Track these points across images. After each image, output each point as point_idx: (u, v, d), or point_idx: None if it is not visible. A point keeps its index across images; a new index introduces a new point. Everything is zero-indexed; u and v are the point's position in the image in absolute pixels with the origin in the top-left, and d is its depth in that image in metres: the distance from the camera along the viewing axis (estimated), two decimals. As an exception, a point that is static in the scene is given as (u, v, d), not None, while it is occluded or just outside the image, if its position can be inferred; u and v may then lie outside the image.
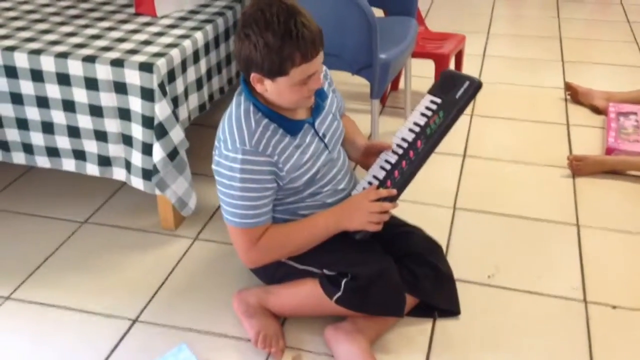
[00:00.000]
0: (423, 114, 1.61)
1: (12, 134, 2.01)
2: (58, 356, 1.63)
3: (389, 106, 2.93)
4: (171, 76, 1.89)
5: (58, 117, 1.93)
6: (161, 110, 1.83)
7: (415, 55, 2.69)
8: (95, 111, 1.89)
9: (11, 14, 2.19)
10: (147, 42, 1.95)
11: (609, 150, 2.47)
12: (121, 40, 1.97)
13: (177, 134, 1.89)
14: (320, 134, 1.61)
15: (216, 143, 1.55)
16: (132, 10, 2.23)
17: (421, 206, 2.19)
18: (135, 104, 1.85)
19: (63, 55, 1.86)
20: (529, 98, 3.01)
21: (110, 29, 2.07)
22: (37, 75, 1.89)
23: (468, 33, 3.18)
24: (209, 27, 2.09)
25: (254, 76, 1.45)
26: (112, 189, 2.29)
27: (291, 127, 1.54)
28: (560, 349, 1.64)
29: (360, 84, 2.62)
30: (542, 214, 2.17)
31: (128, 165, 1.96)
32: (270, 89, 1.46)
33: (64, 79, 1.87)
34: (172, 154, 1.90)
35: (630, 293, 1.82)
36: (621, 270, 1.92)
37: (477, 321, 1.72)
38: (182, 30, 2.05)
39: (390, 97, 2.99)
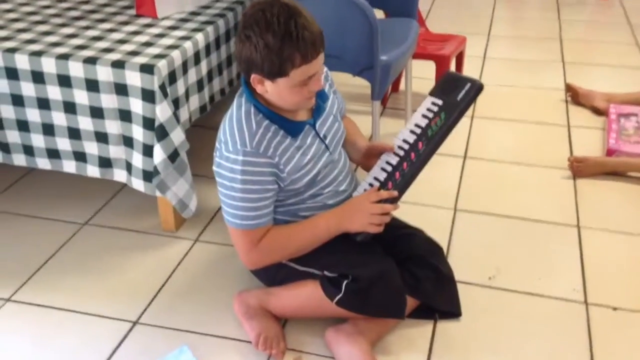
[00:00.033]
0: (424, 116, 1.61)
1: (13, 136, 2.01)
2: (59, 358, 1.63)
3: (389, 107, 2.93)
4: (172, 78, 1.89)
5: (59, 118, 1.93)
6: (162, 111, 1.82)
7: (416, 56, 2.69)
8: (96, 113, 1.89)
9: (12, 15, 2.19)
10: (148, 44, 1.95)
11: (610, 152, 2.47)
12: (122, 41, 1.97)
13: (177, 136, 1.89)
14: (321, 136, 1.61)
15: (217, 144, 1.55)
16: (133, 11, 2.23)
17: (422, 207, 2.19)
18: (136, 105, 1.85)
19: (64, 57, 1.86)
20: (529, 99, 3.01)
21: (111, 30, 2.07)
22: (38, 77, 1.89)
23: (469, 34, 3.18)
24: (209, 29, 2.09)
25: (254, 77, 1.45)
26: (112, 191, 2.29)
27: (292, 128, 1.54)
28: (561, 351, 1.64)
29: (361, 85, 2.62)
30: (543, 216, 2.17)
31: (129, 167, 1.96)
32: (271, 90, 1.46)
33: (64, 81, 1.87)
34: (173, 156, 1.90)
35: (631, 295, 1.82)
36: (622, 272, 1.92)
37: (478, 323, 1.72)
38: (183, 31, 2.06)
39: (391, 98, 3.00)
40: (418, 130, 1.60)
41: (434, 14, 4.14)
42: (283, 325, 1.70)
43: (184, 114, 1.99)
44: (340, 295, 1.56)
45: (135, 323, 1.73)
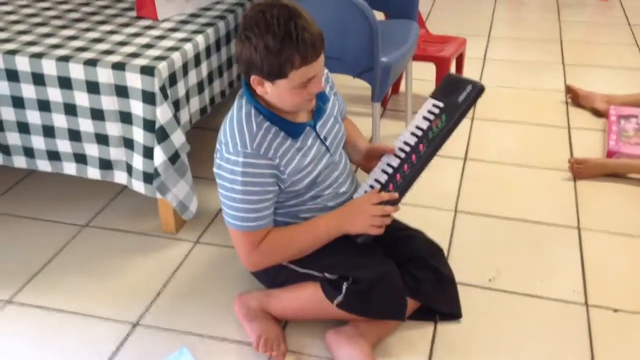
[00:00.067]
0: (425, 118, 1.61)
1: (13, 138, 2.01)
2: (59, 360, 1.63)
3: (389, 109, 2.93)
4: (172, 79, 1.89)
5: (59, 120, 1.94)
6: (162, 113, 1.83)
7: (416, 58, 2.69)
8: (97, 114, 1.89)
9: (12, 17, 2.19)
10: (148, 46, 1.96)
11: (610, 153, 2.47)
12: (122, 43, 1.97)
13: (178, 138, 1.89)
14: (322, 137, 1.61)
15: (217, 146, 1.55)
16: (133, 13, 2.23)
17: (422, 209, 2.19)
18: (137, 107, 1.85)
19: (64, 59, 1.86)
20: (529, 101, 3.01)
21: (111, 32, 2.07)
22: (38, 79, 1.89)
23: (469, 36, 3.18)
24: (210, 31, 2.10)
25: (254, 78, 1.46)
26: (113, 193, 2.29)
27: (292, 130, 1.54)
28: (562, 353, 1.64)
29: (361, 87, 2.62)
30: (543, 217, 2.17)
31: (129, 169, 1.96)
32: (271, 91, 1.46)
33: (65, 83, 1.87)
34: (173, 158, 1.90)
35: (632, 296, 1.82)
36: (622, 274, 1.92)
37: (478, 324, 1.72)
38: (184, 33, 2.06)
39: (391, 100, 3.00)
40: (419, 132, 1.61)
41: (434, 15, 4.14)
42: (283, 327, 1.70)
43: (184, 116, 1.99)
44: (341, 297, 1.56)
45: (135, 325, 1.73)
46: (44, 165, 2.04)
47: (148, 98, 1.82)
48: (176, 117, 1.88)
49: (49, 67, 1.86)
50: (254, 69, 1.43)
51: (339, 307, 1.57)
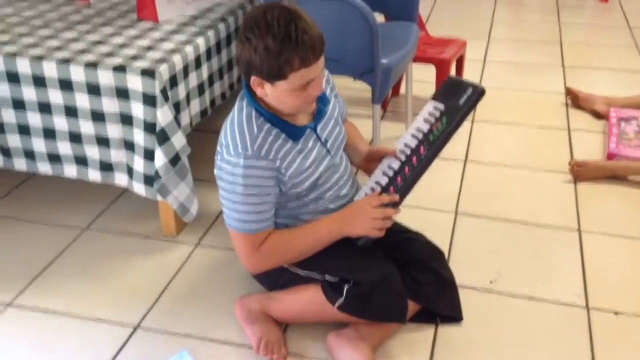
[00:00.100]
0: (426, 120, 1.61)
1: (14, 140, 2.01)
2: (60, 363, 1.63)
3: (390, 111, 2.93)
4: (173, 82, 1.89)
5: (60, 123, 1.93)
6: (163, 115, 1.83)
7: (417, 60, 2.69)
8: (97, 117, 1.89)
9: (13, 19, 2.19)
10: (149, 48, 1.96)
11: (610, 156, 2.47)
12: (123, 46, 1.97)
13: (178, 140, 1.89)
14: (323, 139, 1.61)
15: (218, 148, 1.55)
16: (134, 16, 2.23)
17: (423, 211, 2.19)
18: (138, 109, 1.85)
19: (65, 61, 1.86)
20: (529, 103, 3.01)
21: (112, 34, 2.07)
22: (39, 81, 1.89)
23: (469, 38, 3.18)
24: (210, 33, 2.10)
25: (254, 80, 1.46)
26: (113, 195, 2.28)
27: (293, 132, 1.54)
28: (563, 355, 1.64)
29: (361, 89, 2.62)
30: (544, 220, 2.17)
31: (130, 171, 1.96)
32: (270, 93, 1.46)
33: (66, 85, 1.87)
34: (174, 160, 1.90)
35: (633, 299, 1.82)
36: (623, 276, 1.92)
37: (479, 327, 1.72)
38: (184, 36, 2.06)
39: (391, 102, 3.00)
40: (420, 135, 1.61)
41: (434, 17, 4.14)
42: (284, 330, 1.70)
43: (185, 118, 1.99)
44: (342, 299, 1.56)
45: (136, 328, 1.73)
46: (44, 167, 2.04)
47: (149, 100, 1.82)
48: (177, 120, 1.88)
49: (50, 70, 1.86)
50: (254, 70, 1.43)
51: (339, 309, 1.57)
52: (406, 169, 1.59)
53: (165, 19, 2.18)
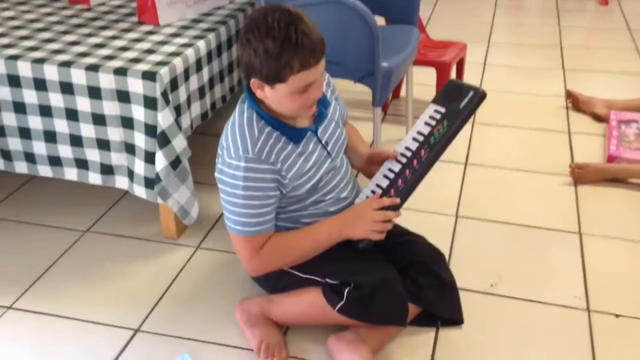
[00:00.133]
0: (427, 123, 1.62)
1: (15, 143, 2.01)
2: (60, 366, 1.62)
3: (390, 114, 2.94)
4: (174, 84, 1.90)
5: (61, 125, 1.94)
6: (164, 118, 1.83)
7: (417, 63, 2.70)
8: (98, 120, 1.89)
9: (14, 22, 2.20)
10: (150, 51, 1.96)
11: (611, 158, 2.47)
12: (124, 49, 1.98)
13: (179, 143, 1.89)
14: (323, 142, 1.61)
15: (219, 151, 1.55)
16: (135, 19, 2.23)
17: (423, 214, 2.19)
18: (138, 112, 1.85)
19: (66, 64, 1.86)
20: (530, 106, 3.01)
21: (113, 37, 2.07)
22: (40, 84, 1.89)
23: (469, 41, 3.18)
24: (211, 36, 2.10)
25: (253, 81, 1.46)
26: (114, 198, 2.28)
27: (294, 134, 1.54)
28: (564, 358, 1.64)
29: (362, 91, 2.62)
30: (544, 222, 2.17)
31: (130, 174, 1.96)
32: (270, 95, 1.47)
33: (67, 88, 1.87)
34: (175, 163, 1.90)
35: (633, 301, 1.82)
36: (624, 279, 1.92)
37: (480, 330, 1.72)
38: (185, 38, 2.06)
39: (391, 105, 3.00)
40: (420, 138, 1.61)
41: (435, 20, 4.15)
42: (285, 333, 1.70)
43: (185, 121, 1.99)
44: (342, 302, 1.56)
45: (136, 331, 1.72)
46: (45, 170, 2.04)
47: (150, 103, 1.82)
48: (177, 122, 1.88)
49: (50, 73, 1.87)
50: (254, 72, 1.43)
51: (340, 312, 1.56)
52: (407, 171, 1.59)
53: (166, 22, 2.18)
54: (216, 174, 1.56)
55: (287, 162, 1.52)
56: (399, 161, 1.62)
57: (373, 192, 1.63)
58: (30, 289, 1.88)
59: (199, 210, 2.05)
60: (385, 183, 1.62)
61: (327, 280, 1.60)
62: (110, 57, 1.91)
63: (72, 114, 1.91)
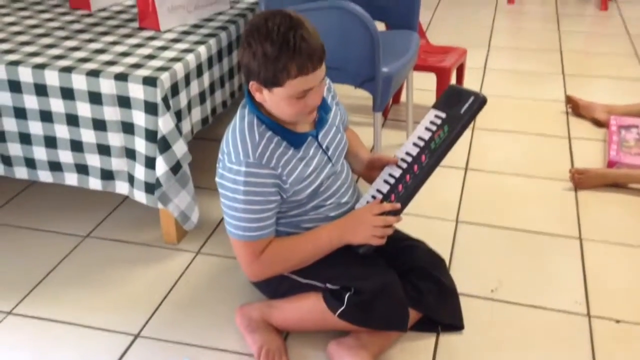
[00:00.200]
0: (427, 129, 1.62)
1: (15, 149, 2.01)
2: (60, 371, 1.62)
3: (390, 119, 2.94)
4: (174, 90, 1.90)
5: (61, 131, 1.94)
6: (164, 124, 1.83)
7: (417, 68, 2.70)
8: (99, 125, 1.90)
9: (15, 28, 2.20)
10: (150, 57, 1.96)
11: (611, 164, 2.47)
12: (125, 54, 1.98)
13: (180, 148, 1.89)
14: (324, 147, 1.61)
15: (220, 156, 1.56)
16: (135, 24, 2.24)
17: (424, 219, 2.19)
18: (139, 117, 1.85)
19: (67, 70, 1.86)
20: (530, 111, 3.02)
21: (114, 43, 2.08)
22: (40, 90, 1.89)
23: (469, 46, 3.19)
24: (212, 42, 2.10)
25: (252, 84, 1.47)
26: (114, 203, 2.28)
27: (294, 139, 1.54)
28: (565, 364, 1.64)
29: (362, 97, 2.63)
30: (545, 227, 2.17)
31: (131, 179, 1.96)
32: (268, 99, 1.47)
33: (67, 93, 1.88)
34: (175, 168, 1.90)
35: (634, 307, 1.82)
36: (624, 284, 1.91)
37: (480, 336, 1.72)
38: (186, 44, 2.06)
39: (392, 110, 3.00)
40: (421, 143, 1.61)
41: (435, 25, 4.15)
42: (285, 338, 1.70)
43: (186, 126, 2.00)
44: (343, 307, 1.55)
45: (136, 336, 1.72)
46: (45, 176, 2.04)
47: (150, 108, 1.82)
48: (178, 128, 1.88)
49: (51, 78, 1.87)
50: (252, 74, 1.44)
51: (340, 317, 1.56)
52: (407, 177, 1.59)
53: (167, 28, 2.18)
54: (217, 179, 1.56)
55: (287, 167, 1.53)
56: (399, 166, 1.62)
57: (374, 197, 1.63)
58: (30, 295, 1.87)
59: (199, 216, 2.05)
60: (385, 188, 1.62)
61: (328, 285, 1.60)
62: (111, 63, 1.91)
63: (72, 120, 1.91)
